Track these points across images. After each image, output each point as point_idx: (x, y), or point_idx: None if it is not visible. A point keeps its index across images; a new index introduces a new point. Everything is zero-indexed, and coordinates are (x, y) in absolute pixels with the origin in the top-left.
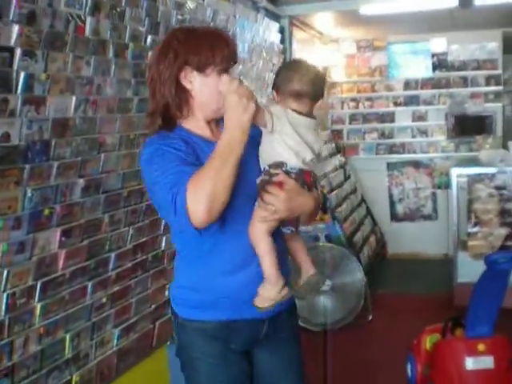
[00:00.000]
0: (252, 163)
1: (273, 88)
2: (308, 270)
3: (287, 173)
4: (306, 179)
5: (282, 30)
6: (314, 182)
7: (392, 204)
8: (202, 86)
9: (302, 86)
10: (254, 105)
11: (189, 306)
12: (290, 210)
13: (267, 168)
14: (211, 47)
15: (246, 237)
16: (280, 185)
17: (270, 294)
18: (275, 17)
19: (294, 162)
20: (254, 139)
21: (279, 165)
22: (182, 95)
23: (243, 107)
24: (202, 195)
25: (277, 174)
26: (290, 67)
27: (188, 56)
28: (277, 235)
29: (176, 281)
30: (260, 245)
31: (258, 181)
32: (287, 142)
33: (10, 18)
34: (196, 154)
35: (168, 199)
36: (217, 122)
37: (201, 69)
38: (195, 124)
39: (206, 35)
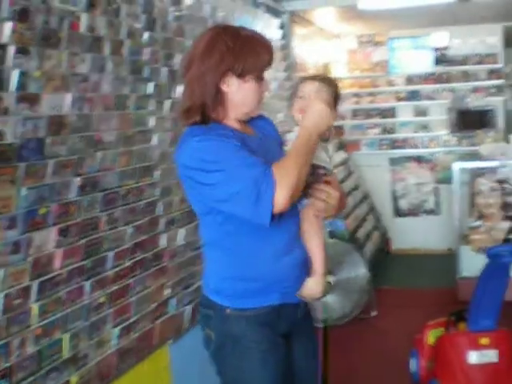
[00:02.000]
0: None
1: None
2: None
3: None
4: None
5: (282, 26)
6: None
7: (395, 199)
8: (238, 90)
9: None
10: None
11: (240, 296)
12: (340, 204)
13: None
14: (255, 57)
15: (287, 221)
16: (328, 183)
17: (320, 286)
18: (275, 13)
19: (327, 162)
20: (276, 140)
21: (319, 166)
22: (219, 97)
23: (326, 115)
24: (290, 187)
25: (324, 175)
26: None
27: (233, 64)
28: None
29: (217, 273)
30: (315, 238)
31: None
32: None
33: (3, 14)
34: (245, 146)
35: (248, 188)
36: (244, 121)
37: (241, 76)
38: (226, 121)
39: (250, 42)
